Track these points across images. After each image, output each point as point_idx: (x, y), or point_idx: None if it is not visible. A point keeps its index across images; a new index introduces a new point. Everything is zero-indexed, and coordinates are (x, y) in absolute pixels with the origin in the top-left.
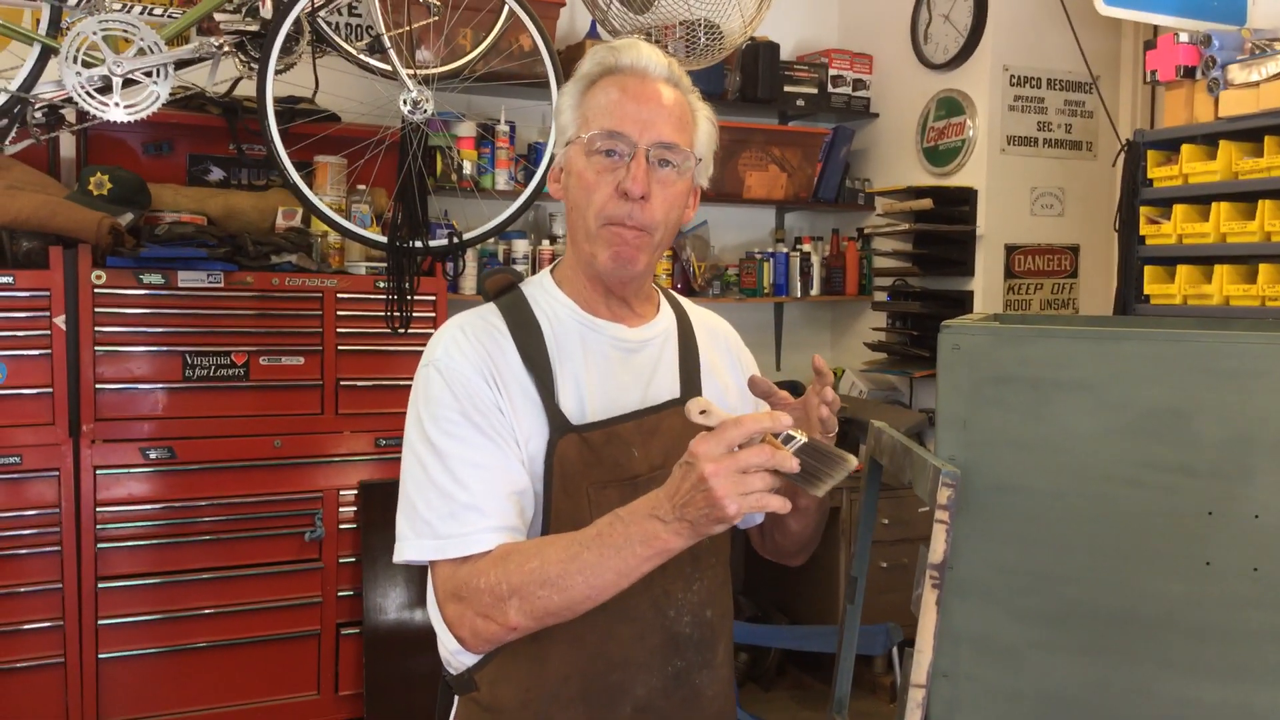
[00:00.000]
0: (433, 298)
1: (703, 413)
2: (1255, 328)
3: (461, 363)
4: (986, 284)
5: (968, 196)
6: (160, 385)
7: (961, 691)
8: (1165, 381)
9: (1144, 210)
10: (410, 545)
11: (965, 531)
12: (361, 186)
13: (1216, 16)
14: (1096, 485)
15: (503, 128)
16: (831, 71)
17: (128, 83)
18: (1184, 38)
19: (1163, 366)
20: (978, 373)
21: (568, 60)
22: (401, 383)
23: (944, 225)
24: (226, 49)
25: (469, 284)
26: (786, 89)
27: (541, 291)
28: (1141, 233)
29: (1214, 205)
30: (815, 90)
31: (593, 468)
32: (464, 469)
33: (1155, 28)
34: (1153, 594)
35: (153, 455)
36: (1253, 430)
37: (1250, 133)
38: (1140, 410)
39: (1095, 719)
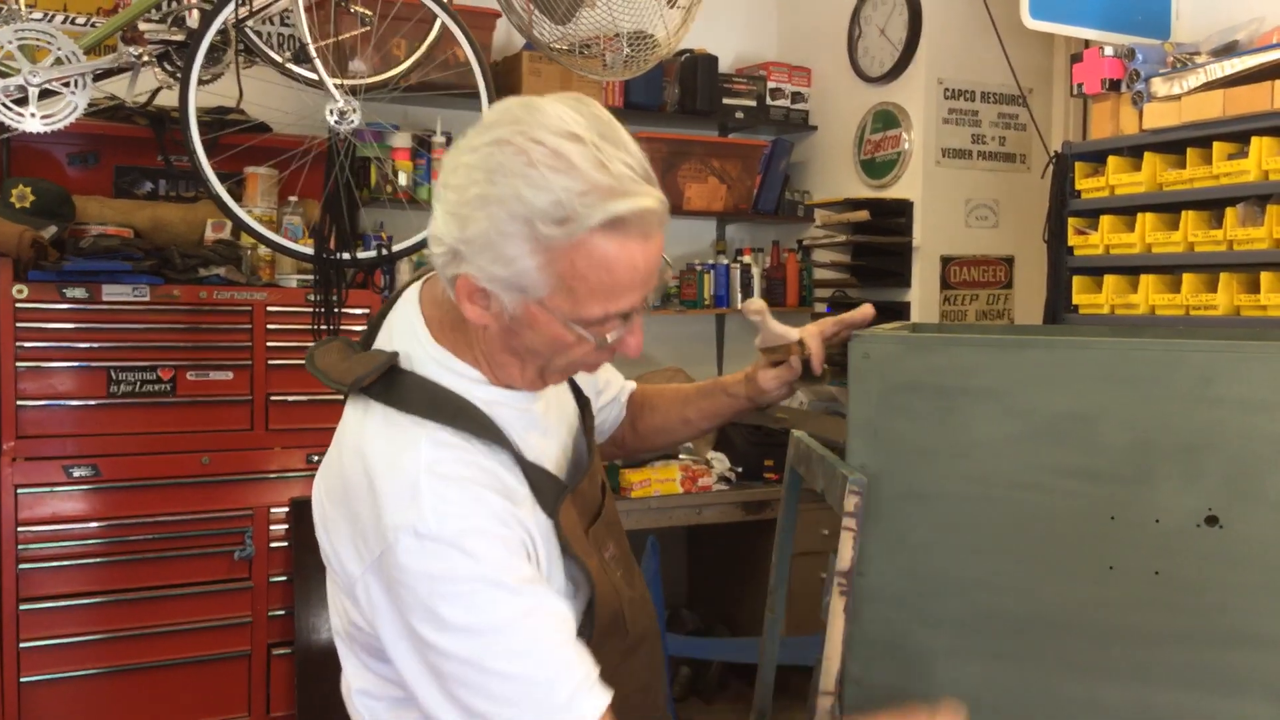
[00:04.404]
0: (366, 311)
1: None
2: (1177, 335)
3: (468, 519)
4: (923, 295)
5: (904, 208)
6: (84, 402)
7: (873, 697)
8: (1068, 388)
9: (1072, 221)
10: None
11: (875, 538)
12: (293, 198)
13: (1140, 30)
14: (1002, 491)
15: (439, 139)
16: (770, 84)
17: (45, 93)
18: (1109, 51)
19: (1066, 373)
20: (887, 381)
21: (504, 72)
22: (334, 397)
23: (881, 237)
24: (147, 59)
25: None
26: (725, 101)
27: (450, 374)
28: (1070, 243)
29: (1139, 216)
30: (754, 103)
31: (583, 514)
32: (520, 641)
33: (1086, 41)
34: (1057, 598)
35: (77, 473)
36: (1154, 435)
37: (1173, 144)
38: (1044, 416)
39: None
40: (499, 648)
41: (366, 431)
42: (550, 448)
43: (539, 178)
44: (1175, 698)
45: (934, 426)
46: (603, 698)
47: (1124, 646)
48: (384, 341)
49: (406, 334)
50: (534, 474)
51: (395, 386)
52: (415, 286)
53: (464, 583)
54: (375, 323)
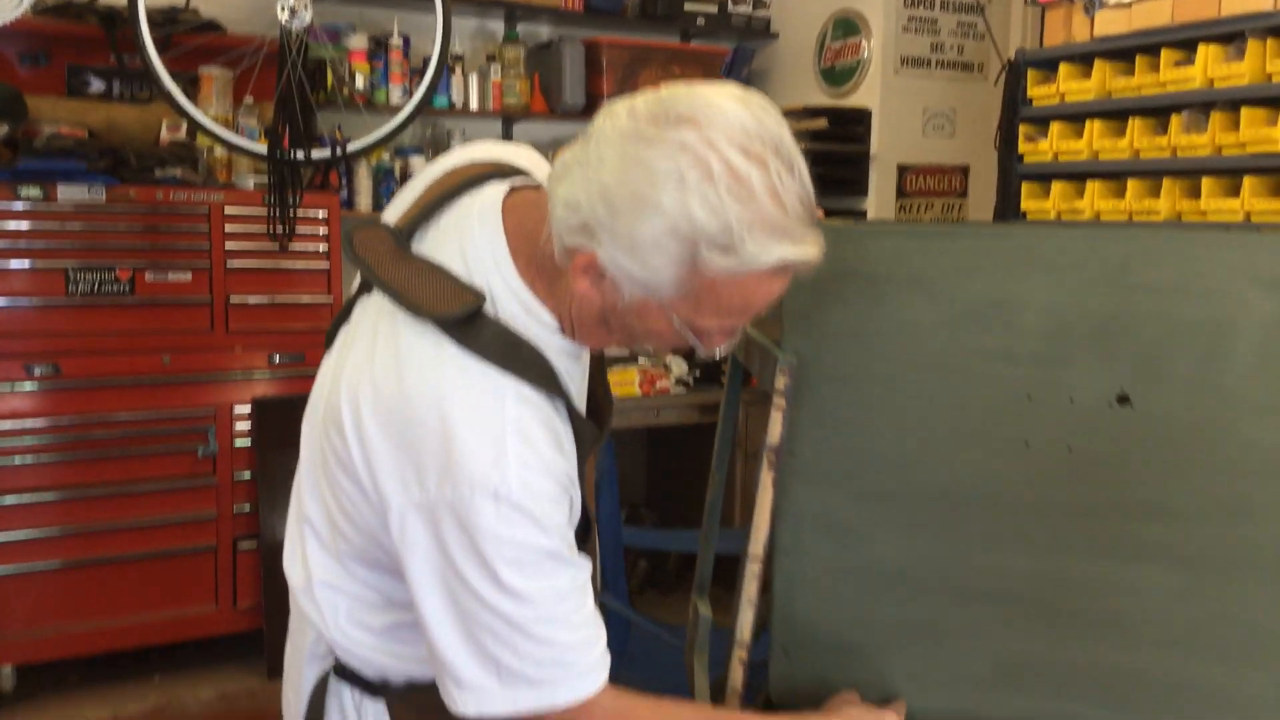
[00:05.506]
0: (323, 213)
1: None
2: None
3: (543, 487)
4: (880, 203)
5: (862, 117)
6: (42, 301)
7: (802, 567)
8: (990, 274)
9: (1023, 128)
10: (494, 696)
11: (806, 418)
12: (249, 99)
13: None
14: (926, 373)
15: (396, 41)
16: None
17: None
18: None
19: (988, 260)
20: (820, 269)
21: None
22: (295, 299)
23: (839, 146)
24: None
25: (363, 201)
26: (687, 7)
27: (530, 318)
28: (1020, 150)
29: (1087, 123)
30: (715, 9)
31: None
32: (563, 610)
33: None
34: (976, 473)
35: (37, 372)
36: (1070, 319)
37: (1123, 52)
38: (968, 302)
39: (922, 588)
40: (545, 614)
41: (445, 374)
42: (584, 387)
43: (715, 199)
44: (1085, 567)
45: (864, 313)
46: (606, 669)
47: (1038, 519)
48: (452, 257)
49: (488, 264)
50: (579, 424)
51: (473, 327)
52: (495, 199)
53: (530, 551)
54: (434, 205)
